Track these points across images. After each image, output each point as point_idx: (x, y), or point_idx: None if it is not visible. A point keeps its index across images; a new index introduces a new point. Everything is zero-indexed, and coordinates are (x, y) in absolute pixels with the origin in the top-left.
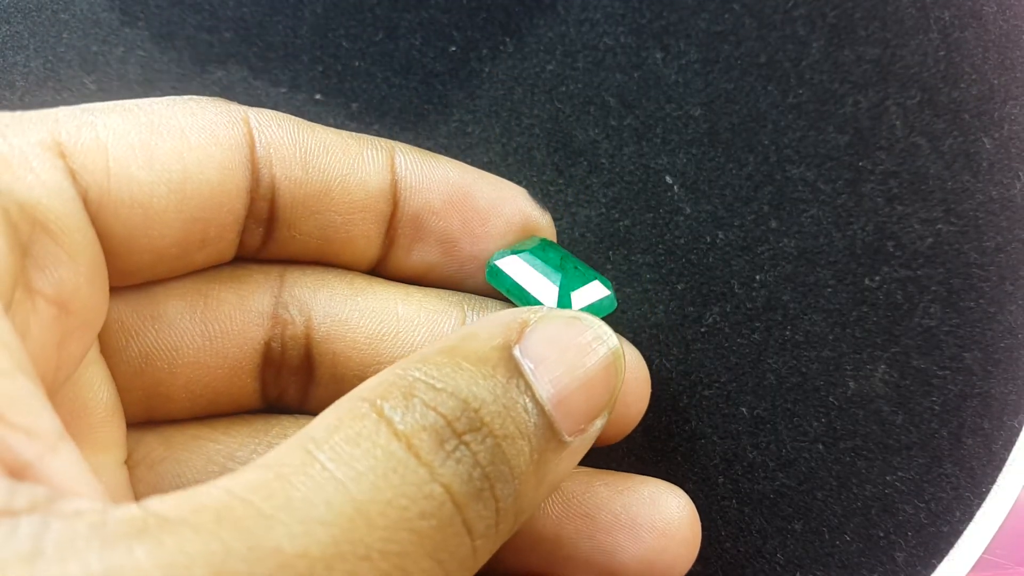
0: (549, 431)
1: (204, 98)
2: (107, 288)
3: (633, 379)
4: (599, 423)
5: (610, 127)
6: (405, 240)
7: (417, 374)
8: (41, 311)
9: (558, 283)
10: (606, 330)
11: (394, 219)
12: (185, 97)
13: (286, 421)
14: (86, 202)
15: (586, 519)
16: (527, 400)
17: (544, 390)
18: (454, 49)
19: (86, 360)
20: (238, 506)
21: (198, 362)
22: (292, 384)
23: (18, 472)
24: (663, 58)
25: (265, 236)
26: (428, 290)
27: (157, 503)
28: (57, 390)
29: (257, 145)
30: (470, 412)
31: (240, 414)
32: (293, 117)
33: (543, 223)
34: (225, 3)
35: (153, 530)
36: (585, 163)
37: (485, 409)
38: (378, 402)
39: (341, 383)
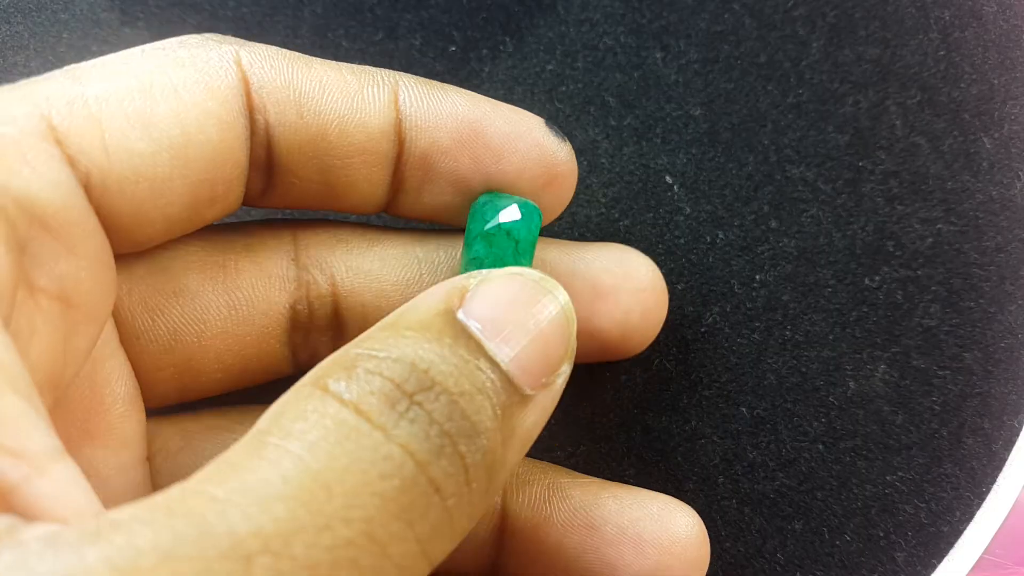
0: (509, 387)
1: (194, 39)
2: (113, 277)
3: (651, 289)
4: (562, 375)
5: (610, 127)
6: (414, 182)
7: (358, 350)
8: (45, 308)
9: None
10: (550, 281)
11: (400, 160)
12: (174, 42)
13: None
14: (88, 186)
15: (591, 530)
16: (480, 360)
17: (496, 348)
18: (454, 49)
19: (103, 355)
20: (191, 497)
21: (226, 332)
22: (323, 343)
23: (1, 495)
24: (663, 58)
25: (266, 182)
26: (442, 232)
27: (113, 512)
28: (67, 385)
29: (251, 89)
30: (418, 373)
31: (256, 406)
32: (289, 53)
33: (562, 155)
34: (225, 3)
35: (106, 532)
36: (585, 163)
37: (435, 369)
38: (320, 381)
39: None
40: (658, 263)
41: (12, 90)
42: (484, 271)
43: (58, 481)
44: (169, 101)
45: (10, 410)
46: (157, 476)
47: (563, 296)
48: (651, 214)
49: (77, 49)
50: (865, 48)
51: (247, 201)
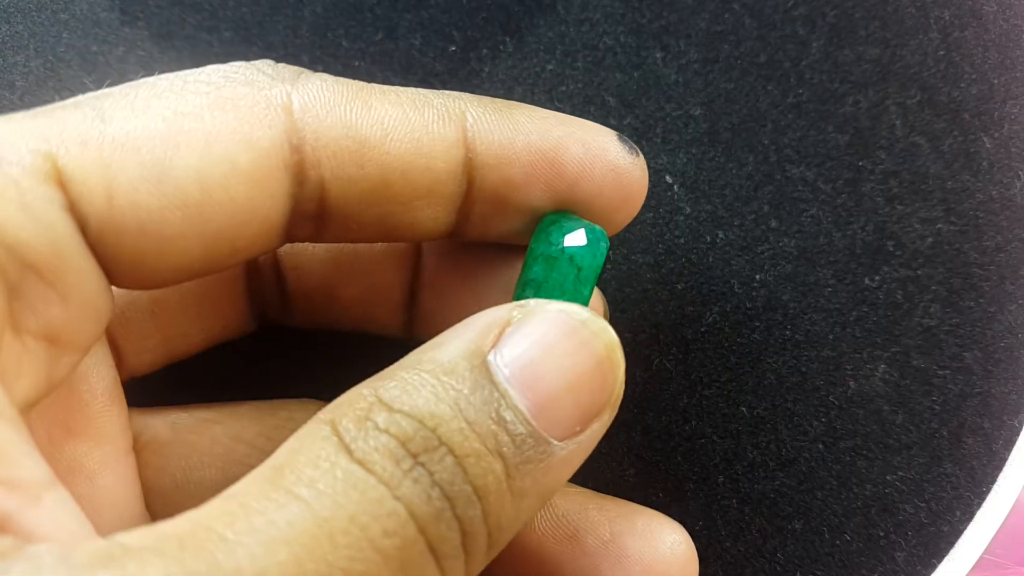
0: (531, 440)
1: (244, 72)
2: (107, 311)
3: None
4: (599, 423)
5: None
6: (482, 216)
7: (378, 394)
8: (31, 348)
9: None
10: (600, 324)
11: (469, 197)
12: (223, 75)
13: (293, 405)
14: (85, 230)
15: (572, 541)
16: (502, 410)
17: (521, 398)
18: (454, 49)
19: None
20: (201, 533)
21: (203, 292)
22: (272, 300)
23: None
24: (663, 58)
25: (317, 228)
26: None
27: (124, 535)
28: (44, 397)
29: (302, 143)
30: (425, 432)
31: (246, 401)
32: (348, 88)
33: (636, 173)
34: (225, 3)
35: (118, 558)
36: None
37: (444, 427)
38: (335, 425)
39: (309, 298)
40: (658, 263)
41: (34, 117)
42: (531, 302)
43: (51, 509)
44: (194, 153)
45: (2, 441)
46: (146, 469)
47: (610, 338)
48: (651, 214)
49: (77, 49)
50: (865, 48)
51: (294, 241)
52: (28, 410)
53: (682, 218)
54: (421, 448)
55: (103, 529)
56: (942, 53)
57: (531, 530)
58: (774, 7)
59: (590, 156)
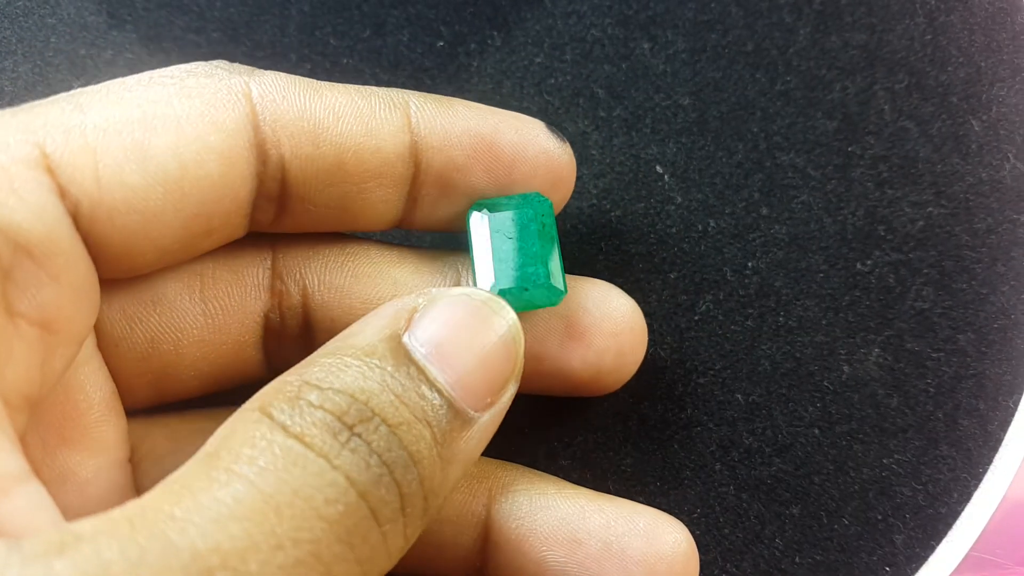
0: (451, 411)
1: (203, 68)
2: (95, 302)
3: (629, 331)
4: (507, 394)
5: (599, 118)
6: (430, 198)
7: (304, 378)
8: (24, 333)
9: (493, 267)
10: (499, 303)
11: (416, 180)
12: (183, 70)
13: None
14: (77, 215)
15: (575, 545)
16: (422, 385)
17: (439, 373)
18: (442, 44)
19: (79, 360)
20: (150, 514)
21: (202, 340)
22: (295, 352)
23: None
24: (651, 48)
25: (278, 211)
26: (423, 252)
27: (75, 524)
28: (41, 401)
29: (262, 124)
30: (358, 405)
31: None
32: (299, 80)
33: (564, 158)
34: (212, 4)
35: (71, 544)
36: (575, 155)
37: (375, 400)
38: (266, 409)
39: None
40: (650, 253)
41: (14, 114)
42: (433, 289)
43: (22, 502)
44: (169, 134)
45: None
46: (145, 479)
47: (510, 316)
48: (642, 204)
49: (65, 53)
50: (852, 34)
51: (257, 228)
52: (27, 404)
53: (673, 208)
54: (356, 419)
55: None
56: (929, 37)
57: (535, 535)
58: None
59: (523, 141)
